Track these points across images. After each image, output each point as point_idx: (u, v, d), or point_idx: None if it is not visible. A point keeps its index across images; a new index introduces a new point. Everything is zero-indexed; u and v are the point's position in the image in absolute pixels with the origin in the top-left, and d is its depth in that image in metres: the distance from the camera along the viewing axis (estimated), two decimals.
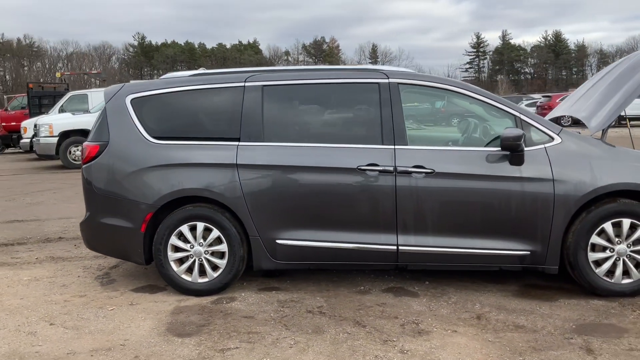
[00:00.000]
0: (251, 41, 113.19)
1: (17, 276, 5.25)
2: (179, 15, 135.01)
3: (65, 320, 4.16)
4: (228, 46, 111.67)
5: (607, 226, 4.23)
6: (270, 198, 4.43)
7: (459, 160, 4.32)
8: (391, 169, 4.31)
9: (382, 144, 4.38)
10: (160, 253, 4.55)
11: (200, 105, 4.66)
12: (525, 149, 4.28)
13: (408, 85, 4.50)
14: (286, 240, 4.47)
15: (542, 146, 4.30)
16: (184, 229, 4.53)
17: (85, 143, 4.79)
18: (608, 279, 4.29)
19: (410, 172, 4.29)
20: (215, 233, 4.51)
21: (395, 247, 4.38)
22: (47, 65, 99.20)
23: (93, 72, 47.13)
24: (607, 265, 4.28)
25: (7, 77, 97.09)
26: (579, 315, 3.98)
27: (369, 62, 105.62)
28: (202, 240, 4.54)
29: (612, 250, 4.26)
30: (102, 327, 4.00)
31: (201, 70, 4.97)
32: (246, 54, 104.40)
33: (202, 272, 4.58)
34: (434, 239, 4.36)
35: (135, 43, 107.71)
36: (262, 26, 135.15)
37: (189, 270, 4.58)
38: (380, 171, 4.31)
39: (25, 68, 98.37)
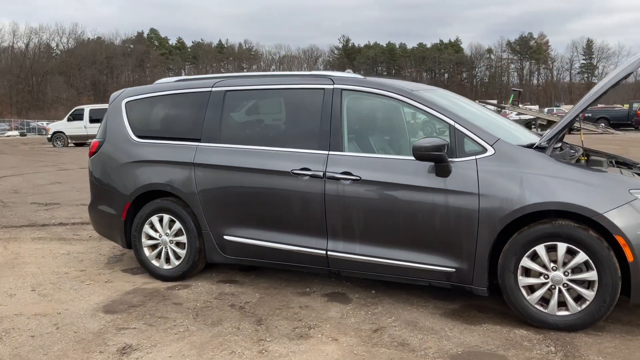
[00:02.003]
0: (452, 40, 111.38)
1: (58, 250, 6.24)
2: (384, 16, 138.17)
3: (45, 288, 4.92)
4: (428, 46, 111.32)
5: (540, 249, 3.80)
6: (218, 196, 4.74)
7: (386, 168, 4.20)
8: (321, 174, 4.34)
9: (318, 149, 4.43)
10: (136, 239, 5.12)
11: (175, 108, 5.13)
12: (457, 159, 4.03)
13: (351, 91, 4.47)
14: (232, 237, 4.75)
15: (473, 157, 4.00)
16: (154, 219, 5.05)
17: (93, 140, 5.55)
18: (541, 308, 3.86)
19: (338, 178, 4.29)
20: (178, 225, 4.95)
21: (324, 252, 4.41)
22: (262, 67, 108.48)
23: None
24: (539, 293, 3.85)
25: None
26: (480, 342, 3.67)
27: (582, 59, 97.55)
28: (168, 231, 5.01)
29: (546, 276, 3.82)
30: (62, 297, 4.68)
31: (185, 76, 5.43)
32: (446, 53, 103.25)
33: (169, 260, 5.06)
34: (361, 247, 4.31)
35: (340, 45, 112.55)
36: (467, 24, 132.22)
37: (159, 256, 5.08)
38: (311, 176, 4.38)
39: (245, 70, 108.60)
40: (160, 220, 5.03)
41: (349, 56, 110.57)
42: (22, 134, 53.67)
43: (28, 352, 3.66)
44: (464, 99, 5.36)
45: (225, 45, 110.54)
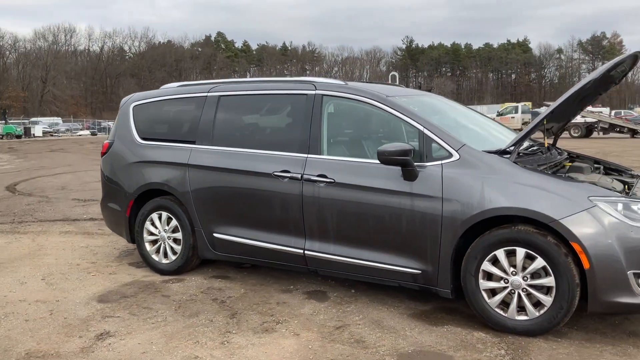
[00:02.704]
0: (520, 39, 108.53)
1: (79, 243, 6.69)
2: (451, 17, 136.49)
3: (54, 278, 5.33)
4: (495, 46, 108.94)
5: (500, 254, 3.86)
6: (208, 195, 5.01)
7: (358, 171, 4.34)
8: (299, 176, 4.53)
9: (298, 152, 4.61)
10: (138, 234, 5.47)
11: (174, 112, 5.45)
12: (425, 164, 4.12)
13: (331, 97, 4.63)
14: (221, 235, 5.01)
15: (439, 162, 4.09)
16: (154, 216, 5.37)
17: (105, 141, 5.94)
18: (501, 312, 3.91)
19: (315, 181, 4.46)
20: (174, 222, 5.26)
21: (302, 252, 4.59)
22: (324, 69, 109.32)
23: None
24: (499, 297, 3.90)
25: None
26: (434, 343, 3.76)
27: None
28: (166, 227, 5.32)
29: (506, 281, 3.87)
30: (66, 287, 5.06)
31: (187, 82, 5.73)
32: (513, 53, 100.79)
33: (167, 255, 5.37)
34: (335, 247, 4.46)
35: (403, 46, 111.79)
36: (536, 24, 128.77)
37: (158, 251, 5.40)
38: (290, 178, 4.57)
39: (307, 72, 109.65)
40: (160, 218, 5.35)
41: (412, 57, 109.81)
42: (92, 134, 56.33)
43: (18, 334, 4.03)
44: (459, 106, 5.44)
45: (289, 48, 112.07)
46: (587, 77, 4.06)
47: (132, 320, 4.24)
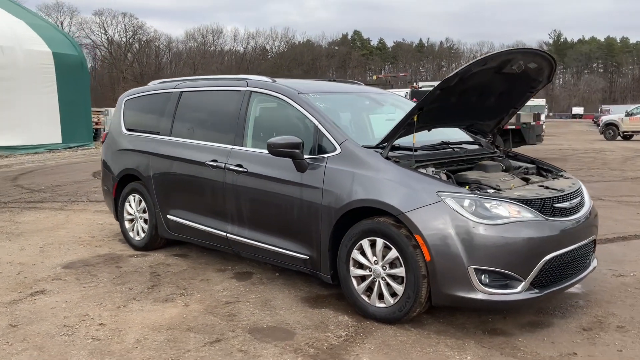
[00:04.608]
0: None
1: (99, 221, 7.63)
2: (606, 8, 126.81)
3: (51, 247, 6.23)
4: None
5: (365, 244, 4.05)
6: (163, 181, 5.62)
7: (266, 162, 4.69)
8: (223, 165, 4.98)
9: (227, 144, 5.06)
10: (120, 214, 6.22)
11: (150, 106, 6.11)
12: (316, 156, 4.39)
13: (258, 93, 5.02)
14: (171, 216, 5.59)
15: (326, 156, 4.34)
16: (130, 198, 6.10)
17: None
18: (367, 299, 4.09)
19: (233, 170, 4.89)
20: (144, 204, 5.93)
21: (225, 235, 5.04)
22: (461, 66, 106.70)
23: (400, 74, 49.91)
24: (365, 284, 4.09)
25: (428, 76, 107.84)
26: (294, 322, 4.03)
27: None
28: (138, 208, 6.02)
29: (370, 269, 4.06)
30: (53, 254, 5.93)
31: (165, 79, 6.36)
32: None
33: (139, 233, 6.07)
34: (249, 232, 4.86)
35: (550, 41, 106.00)
36: None
37: (133, 229, 6.12)
38: (217, 167, 5.03)
39: (443, 69, 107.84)
40: (134, 199, 6.05)
41: (560, 52, 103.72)
42: None
43: None
44: (400, 102, 5.58)
45: (426, 45, 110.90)
46: (451, 73, 4.10)
47: (71, 284, 4.95)
